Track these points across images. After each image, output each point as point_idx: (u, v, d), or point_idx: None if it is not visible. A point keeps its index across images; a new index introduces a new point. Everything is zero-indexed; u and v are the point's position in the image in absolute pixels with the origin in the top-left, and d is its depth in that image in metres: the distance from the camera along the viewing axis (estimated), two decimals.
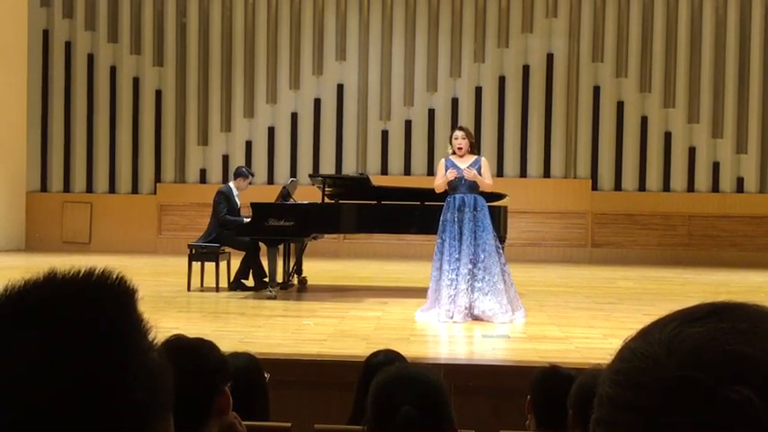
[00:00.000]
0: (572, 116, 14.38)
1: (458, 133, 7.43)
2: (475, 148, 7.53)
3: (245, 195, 9.50)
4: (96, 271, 0.76)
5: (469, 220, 7.17)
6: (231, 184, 9.49)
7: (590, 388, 2.16)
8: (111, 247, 14.22)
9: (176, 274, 9.88)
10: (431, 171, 14.40)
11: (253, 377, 2.87)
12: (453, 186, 7.28)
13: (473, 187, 7.26)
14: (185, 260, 9.05)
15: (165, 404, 0.76)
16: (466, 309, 7.06)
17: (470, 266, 7.12)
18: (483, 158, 7.47)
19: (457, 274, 7.13)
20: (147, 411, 0.73)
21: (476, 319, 7.09)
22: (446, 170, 7.30)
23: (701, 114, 14.27)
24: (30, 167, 14.87)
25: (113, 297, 0.75)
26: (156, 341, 0.78)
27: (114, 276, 0.77)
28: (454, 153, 7.35)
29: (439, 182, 7.40)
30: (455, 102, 14.54)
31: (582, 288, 9.95)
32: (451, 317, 7.06)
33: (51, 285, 0.75)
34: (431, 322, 7.10)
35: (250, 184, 9.71)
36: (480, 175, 7.26)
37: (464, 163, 7.28)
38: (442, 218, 7.32)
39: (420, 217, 8.66)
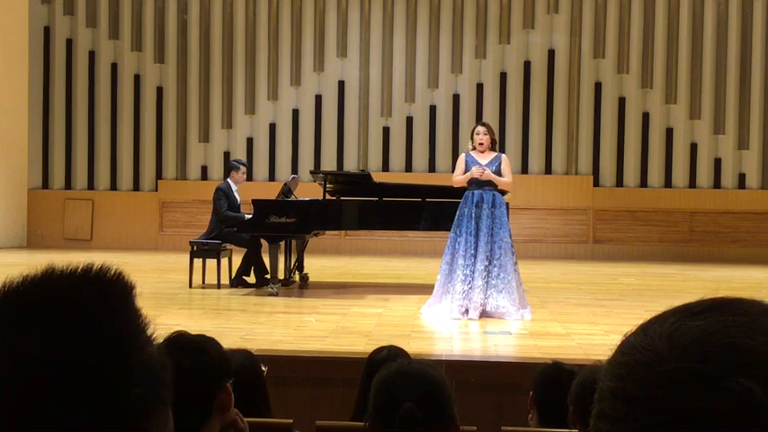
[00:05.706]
0: (573, 112, 14.36)
1: (480, 129, 7.32)
2: (496, 144, 7.46)
3: (246, 192, 9.50)
4: (94, 266, 0.76)
5: (487, 216, 7.08)
6: (228, 180, 9.48)
7: (590, 384, 2.16)
8: (113, 243, 14.24)
9: (178, 271, 9.90)
10: (432, 167, 14.41)
11: (250, 374, 2.87)
12: (472, 182, 7.19)
13: (492, 184, 7.19)
14: (187, 257, 9.06)
15: (164, 399, 0.76)
16: (481, 305, 7.04)
17: (486, 263, 7.07)
18: (504, 155, 7.36)
19: (472, 271, 7.06)
20: (146, 406, 0.73)
21: (487, 315, 7.05)
22: (466, 165, 7.19)
23: (702, 110, 14.25)
24: (31, 164, 14.88)
25: (111, 292, 0.75)
26: (154, 336, 0.78)
27: (112, 272, 0.77)
28: (474, 149, 7.29)
29: (459, 178, 7.26)
30: (456, 98, 14.52)
31: (583, 284, 9.95)
32: (465, 312, 7.00)
33: (49, 281, 0.75)
34: (436, 318, 7.05)
35: (245, 175, 9.68)
36: (501, 172, 7.18)
37: (485, 159, 7.20)
38: (458, 212, 7.23)
39: (423, 214, 8.66)
